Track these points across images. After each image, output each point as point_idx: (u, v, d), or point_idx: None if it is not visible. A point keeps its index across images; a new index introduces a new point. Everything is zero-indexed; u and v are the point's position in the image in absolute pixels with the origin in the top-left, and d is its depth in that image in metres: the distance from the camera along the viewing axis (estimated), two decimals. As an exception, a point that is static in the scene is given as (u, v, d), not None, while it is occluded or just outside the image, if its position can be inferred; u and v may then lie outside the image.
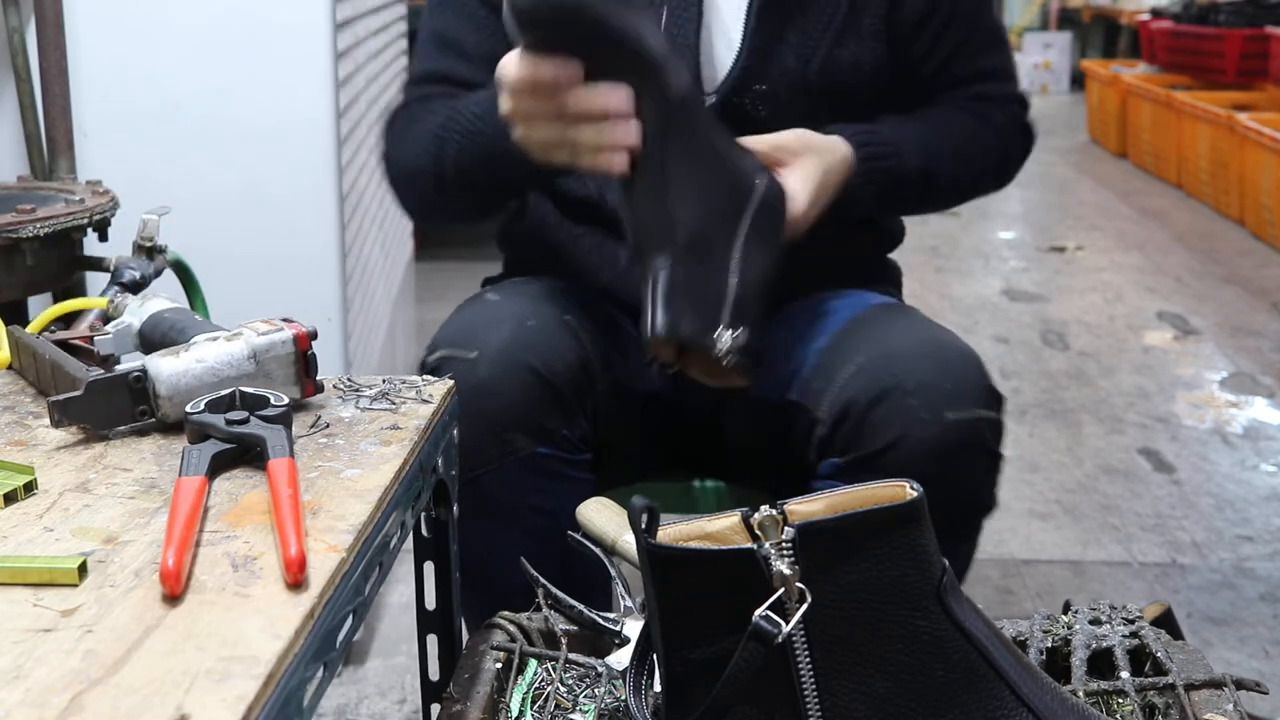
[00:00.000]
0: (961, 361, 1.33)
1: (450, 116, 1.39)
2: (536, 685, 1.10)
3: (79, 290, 1.65)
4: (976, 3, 1.53)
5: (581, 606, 1.14)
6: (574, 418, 1.36)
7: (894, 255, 1.65)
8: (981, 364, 1.35)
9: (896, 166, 1.42)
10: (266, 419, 0.95)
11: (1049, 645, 1.12)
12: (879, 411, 1.30)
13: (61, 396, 0.98)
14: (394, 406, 1.08)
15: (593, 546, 1.18)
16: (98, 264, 1.57)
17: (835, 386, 1.34)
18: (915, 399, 1.28)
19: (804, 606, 0.84)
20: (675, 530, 0.91)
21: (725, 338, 1.22)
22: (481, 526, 1.30)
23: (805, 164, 1.35)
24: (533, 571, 1.18)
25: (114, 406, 1.00)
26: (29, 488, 0.91)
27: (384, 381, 1.13)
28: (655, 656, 0.92)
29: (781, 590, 0.83)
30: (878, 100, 1.47)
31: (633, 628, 1.10)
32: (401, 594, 2.24)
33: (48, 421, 1.00)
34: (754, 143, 1.34)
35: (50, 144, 1.80)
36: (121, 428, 1.01)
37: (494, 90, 1.26)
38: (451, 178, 1.40)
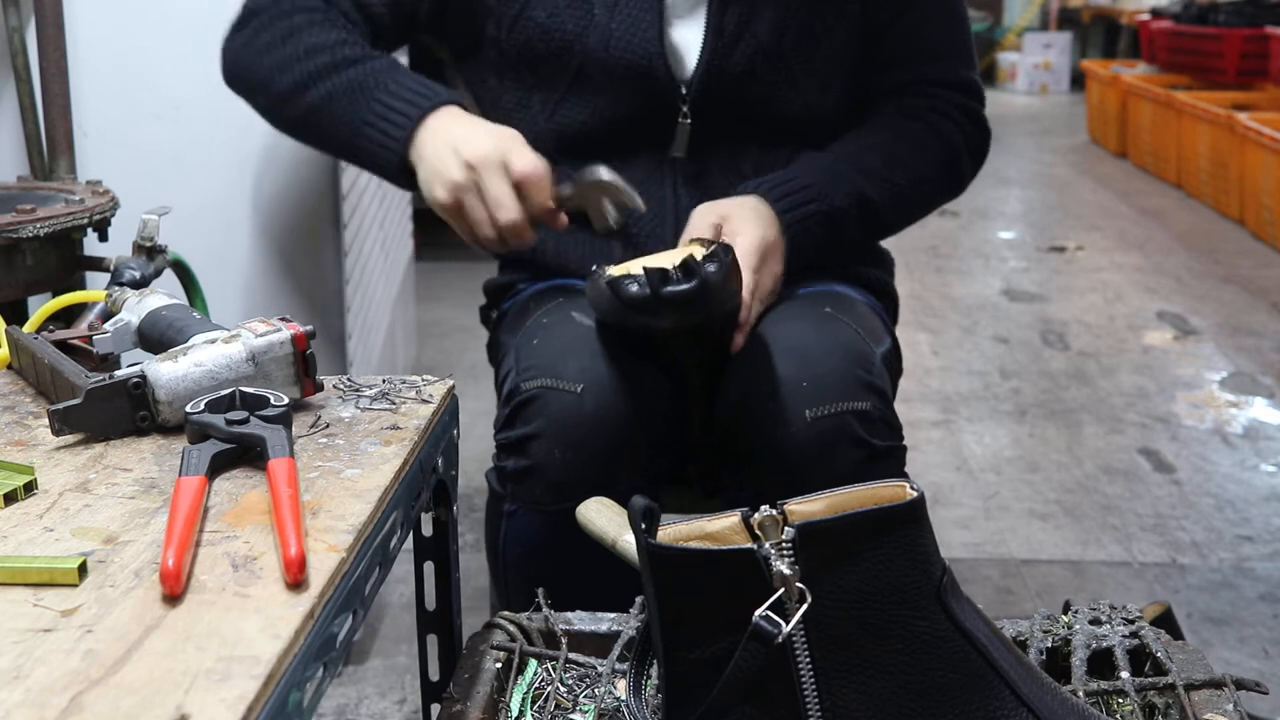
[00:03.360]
0: (826, 357, 1.31)
1: (343, 77, 1.43)
2: (536, 685, 1.10)
3: (79, 290, 1.65)
4: None
5: None
6: (669, 451, 1.36)
7: (894, 252, 1.66)
8: (859, 356, 1.32)
9: (821, 207, 1.42)
10: (266, 419, 0.95)
11: (1049, 645, 1.12)
12: (743, 419, 1.31)
13: (61, 405, 0.98)
14: (394, 406, 1.08)
15: None
16: (98, 264, 1.57)
17: (723, 399, 1.35)
18: (773, 402, 1.29)
19: (804, 607, 0.84)
20: (675, 530, 0.91)
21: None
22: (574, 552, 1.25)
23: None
24: None
25: (113, 413, 1.00)
26: (29, 488, 0.91)
27: (384, 381, 1.13)
28: (655, 656, 0.92)
29: (781, 590, 0.83)
30: (847, 71, 1.49)
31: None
32: (401, 594, 2.24)
33: (47, 422, 1.00)
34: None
35: (50, 144, 1.80)
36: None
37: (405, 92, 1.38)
38: (297, 117, 1.47)
